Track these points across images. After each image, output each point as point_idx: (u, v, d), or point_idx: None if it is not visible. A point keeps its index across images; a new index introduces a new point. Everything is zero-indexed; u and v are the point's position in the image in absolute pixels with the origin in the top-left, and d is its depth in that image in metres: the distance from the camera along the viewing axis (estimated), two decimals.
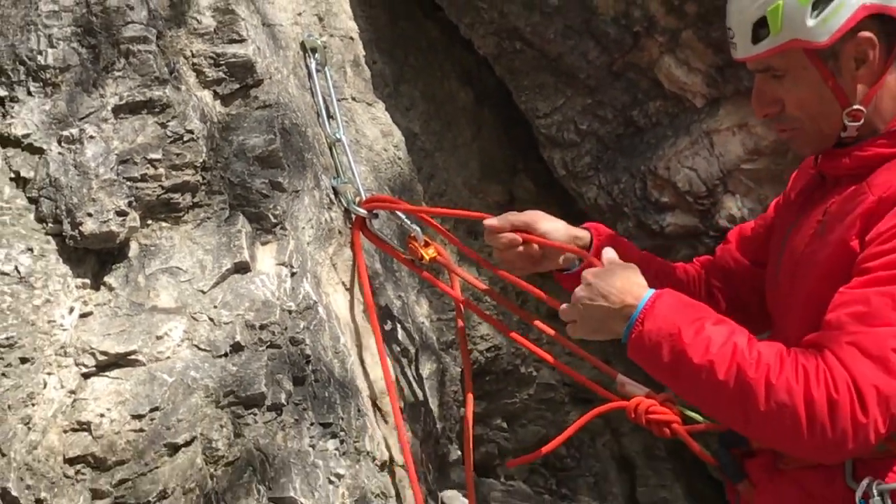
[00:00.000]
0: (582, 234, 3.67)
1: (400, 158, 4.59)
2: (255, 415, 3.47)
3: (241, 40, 3.92)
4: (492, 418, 5.07)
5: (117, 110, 3.60)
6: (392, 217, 4.13)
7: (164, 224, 3.63)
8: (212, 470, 3.39)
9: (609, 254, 3.49)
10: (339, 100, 4.32)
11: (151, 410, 3.34)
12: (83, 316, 3.42)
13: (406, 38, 5.24)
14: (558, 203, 5.30)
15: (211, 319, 3.53)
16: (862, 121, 3.28)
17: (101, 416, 3.30)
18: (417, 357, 4.25)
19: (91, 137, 3.53)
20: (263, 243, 3.74)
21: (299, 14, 4.44)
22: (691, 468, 5.52)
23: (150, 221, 3.61)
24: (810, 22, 3.19)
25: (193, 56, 3.88)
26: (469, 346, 4.14)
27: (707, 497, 5.50)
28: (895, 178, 3.14)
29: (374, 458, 3.72)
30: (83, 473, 3.26)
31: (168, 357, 3.44)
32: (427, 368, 4.29)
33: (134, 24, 3.65)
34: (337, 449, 3.60)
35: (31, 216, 3.46)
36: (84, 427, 3.28)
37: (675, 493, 5.49)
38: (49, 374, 3.31)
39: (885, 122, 3.30)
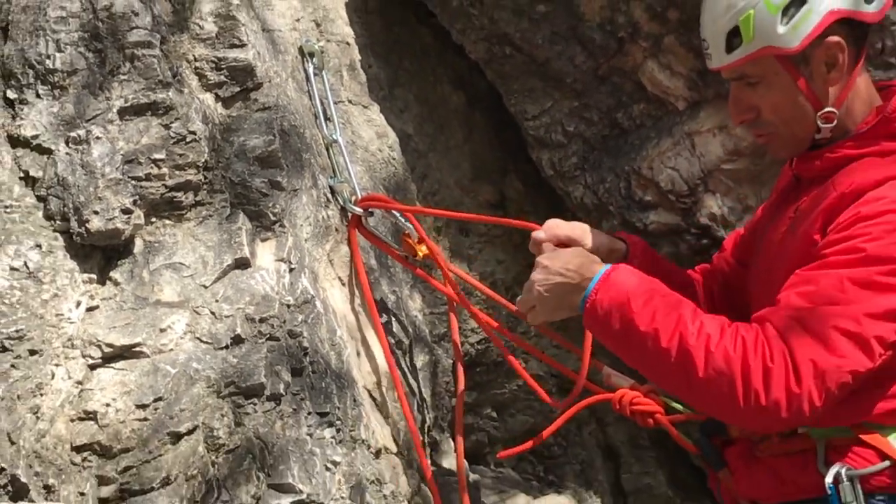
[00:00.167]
0: (619, 245, 3.66)
1: (394, 159, 4.59)
2: (255, 404, 3.47)
3: (242, 45, 3.92)
4: (482, 408, 5.07)
5: (123, 112, 3.60)
6: (387, 215, 4.14)
7: (167, 221, 3.63)
8: (213, 457, 3.39)
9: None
10: (335, 102, 4.32)
11: (155, 400, 3.34)
12: (90, 310, 3.42)
13: (400, 44, 5.24)
14: (546, 202, 5.30)
15: (212, 313, 3.53)
16: (835, 122, 3.29)
17: (107, 405, 3.30)
18: (411, 349, 4.25)
19: (97, 138, 3.53)
20: (263, 240, 3.75)
21: (297, 20, 4.43)
22: (674, 456, 5.51)
23: (154, 219, 3.60)
24: (781, 29, 3.21)
25: (196, 60, 3.88)
26: (460, 338, 4.14)
27: (689, 484, 5.50)
28: (857, 175, 3.16)
29: (368, 446, 3.73)
30: (90, 461, 3.26)
31: (171, 349, 3.44)
32: (420, 360, 4.29)
33: (138, 30, 3.65)
34: (333, 437, 3.61)
35: (40, 214, 3.46)
36: (90, 416, 3.28)
37: (658, 480, 5.49)
38: (57, 365, 3.31)
39: (856, 124, 3.32)
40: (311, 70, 4.30)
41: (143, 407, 3.33)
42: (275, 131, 3.86)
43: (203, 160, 3.65)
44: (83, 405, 3.29)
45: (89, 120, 3.56)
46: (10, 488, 3.12)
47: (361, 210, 4.02)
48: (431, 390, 4.33)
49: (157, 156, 3.58)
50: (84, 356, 3.35)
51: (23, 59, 3.59)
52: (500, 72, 4.99)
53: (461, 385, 4.09)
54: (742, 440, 3.41)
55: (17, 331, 3.24)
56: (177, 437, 3.34)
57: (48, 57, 3.58)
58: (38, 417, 3.22)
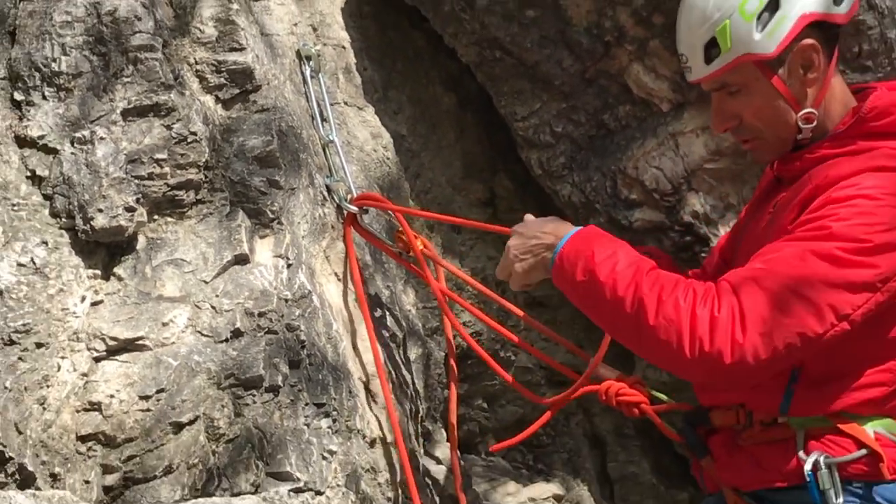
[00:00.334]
0: None
1: (388, 158, 4.59)
2: (254, 396, 3.48)
3: (241, 49, 3.92)
4: (473, 399, 5.07)
5: (126, 113, 3.60)
6: (381, 213, 4.14)
7: (169, 219, 3.63)
8: (214, 447, 3.39)
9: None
10: (331, 104, 4.32)
11: (158, 392, 3.34)
12: (94, 304, 3.42)
13: (394, 47, 5.24)
14: (535, 200, 5.29)
15: (213, 307, 3.53)
16: (815, 123, 3.31)
17: (111, 396, 3.30)
18: (405, 342, 4.25)
19: (101, 139, 3.53)
20: (262, 237, 3.75)
21: (295, 24, 4.43)
22: (658, 445, 5.52)
23: (156, 217, 3.60)
24: (757, 36, 3.24)
25: (196, 63, 3.88)
26: (452, 332, 4.14)
27: (673, 472, 5.50)
28: (831, 170, 3.18)
29: (364, 436, 3.73)
30: (94, 450, 3.26)
31: (173, 342, 3.44)
32: (413, 353, 4.29)
33: (141, 34, 3.65)
34: (330, 427, 3.61)
35: (46, 212, 3.46)
36: (95, 407, 3.28)
37: (643, 468, 5.49)
38: (63, 358, 3.30)
39: (834, 124, 3.34)
40: (307, 73, 4.30)
41: (146, 398, 3.33)
42: (273, 132, 3.86)
43: (204, 160, 3.65)
44: (88, 396, 3.29)
45: (94, 121, 3.56)
46: (17, 476, 3.12)
47: (356, 208, 4.03)
48: (424, 382, 4.33)
49: (159, 155, 3.58)
50: (89, 349, 3.35)
51: (29, 62, 3.59)
52: (490, 74, 4.99)
53: (454, 385, 4.10)
54: (725, 429, 3.42)
55: (24, 325, 3.24)
56: (178, 427, 3.34)
57: (54, 60, 3.58)
58: (44, 408, 3.22)
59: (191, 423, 3.36)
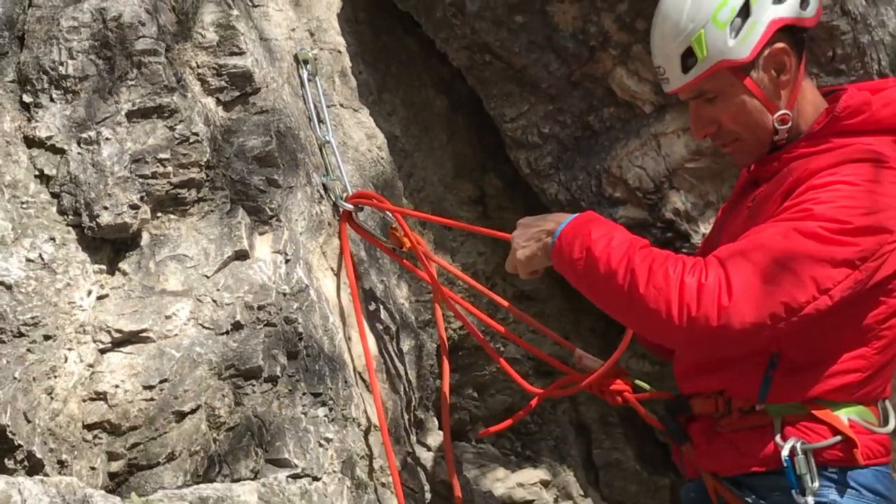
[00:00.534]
0: None
1: (382, 158, 4.59)
2: (254, 386, 3.48)
3: (241, 53, 3.91)
4: (464, 388, 5.07)
5: (130, 115, 3.59)
6: (375, 210, 4.14)
7: (172, 216, 3.62)
8: (215, 435, 3.39)
9: None
10: (328, 106, 4.32)
11: (161, 382, 3.34)
12: (100, 298, 3.42)
13: (388, 52, 5.23)
14: (523, 198, 5.30)
15: (214, 301, 3.53)
16: (790, 123, 3.33)
17: (116, 387, 3.30)
18: (398, 334, 4.25)
19: (107, 139, 3.52)
20: (261, 233, 3.74)
21: (292, 30, 4.43)
22: (641, 433, 5.52)
23: (159, 214, 3.60)
24: (731, 42, 3.27)
25: (198, 67, 3.87)
26: (444, 324, 4.15)
27: (655, 458, 5.50)
28: (810, 163, 3.20)
29: (359, 424, 3.73)
30: (100, 438, 3.26)
31: (176, 334, 3.44)
32: (406, 344, 4.29)
33: (145, 39, 3.64)
34: (326, 416, 3.61)
35: (54, 209, 3.45)
36: (101, 397, 3.28)
37: (626, 454, 5.50)
38: (69, 349, 3.30)
39: (807, 124, 3.37)
40: (305, 76, 4.30)
41: (149, 388, 3.33)
42: (272, 133, 3.86)
43: (205, 159, 3.65)
44: (94, 386, 3.29)
45: (99, 122, 3.56)
46: (26, 463, 3.12)
47: (352, 206, 4.03)
48: (417, 373, 4.33)
49: (162, 155, 3.58)
50: (95, 341, 3.35)
51: (38, 65, 3.58)
52: (480, 78, 4.99)
53: (446, 376, 4.10)
54: (704, 417, 3.43)
55: (32, 318, 3.23)
56: (181, 416, 3.34)
57: (61, 64, 3.58)
58: (52, 398, 3.22)
59: (193, 412, 3.36)
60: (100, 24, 3.61)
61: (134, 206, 3.48)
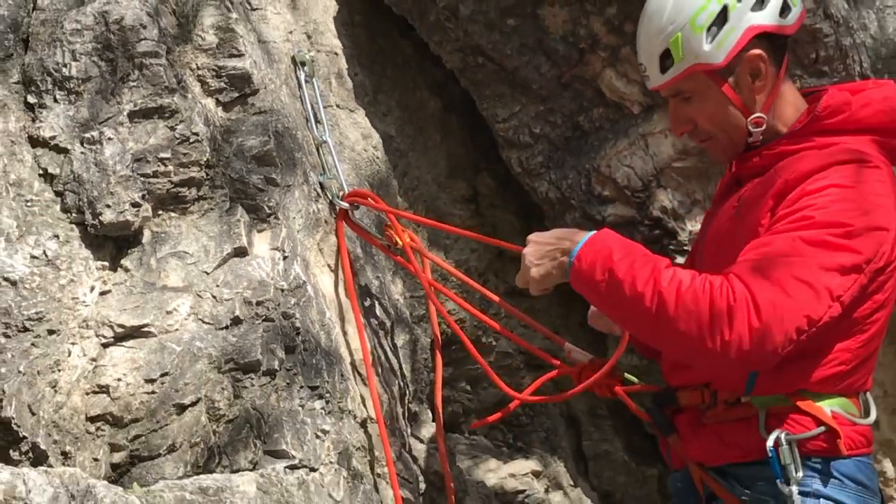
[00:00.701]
0: None
1: (378, 158, 4.59)
2: (252, 379, 3.47)
3: (240, 55, 3.91)
4: (457, 382, 5.07)
5: (132, 115, 3.59)
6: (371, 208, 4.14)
7: (173, 214, 3.62)
8: (214, 427, 3.39)
9: None
10: (325, 107, 4.32)
11: (162, 375, 3.34)
12: (103, 294, 3.42)
13: (383, 54, 5.23)
14: (515, 197, 5.30)
15: (214, 297, 3.53)
16: (764, 126, 3.34)
17: (119, 380, 3.30)
18: (393, 329, 4.25)
19: (109, 139, 3.52)
20: (259, 231, 3.74)
21: (290, 32, 4.42)
22: (629, 425, 5.52)
23: (160, 212, 3.60)
24: (707, 47, 3.27)
25: (198, 69, 3.87)
26: (437, 319, 4.15)
27: (643, 450, 5.50)
28: (798, 164, 3.20)
29: (355, 417, 3.73)
30: (103, 430, 3.25)
31: (176, 329, 3.43)
32: (401, 339, 4.29)
33: (146, 41, 3.64)
34: (323, 408, 3.61)
35: (58, 207, 3.45)
36: (103, 390, 3.28)
37: (615, 446, 5.49)
38: (73, 344, 3.30)
39: (786, 125, 3.37)
40: (302, 77, 4.29)
41: (151, 381, 3.32)
42: (270, 133, 3.86)
43: (205, 159, 3.64)
44: (97, 380, 3.28)
45: (102, 122, 3.55)
46: (31, 454, 3.12)
47: (348, 204, 4.03)
48: (411, 366, 4.33)
49: (163, 155, 3.57)
50: (98, 336, 3.34)
51: (42, 67, 3.57)
52: (473, 79, 4.98)
53: (439, 370, 4.10)
54: (690, 408, 3.43)
55: (36, 313, 3.23)
56: (181, 409, 3.34)
57: (65, 65, 3.57)
58: (56, 391, 3.21)
59: (193, 404, 3.36)
60: (102, 27, 3.61)
61: (135, 205, 3.48)
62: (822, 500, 3.22)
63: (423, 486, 4.18)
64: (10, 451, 3.10)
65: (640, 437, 5.54)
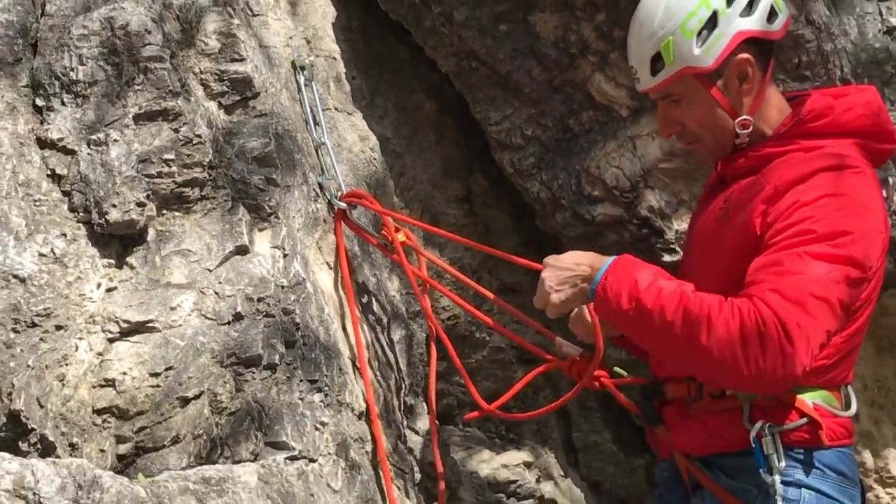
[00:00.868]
0: None
1: (375, 159, 4.59)
2: (253, 373, 3.47)
3: (242, 59, 3.91)
4: (451, 376, 5.06)
5: (137, 118, 3.59)
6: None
7: (176, 213, 3.62)
8: (217, 419, 3.39)
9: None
10: (323, 110, 4.32)
11: (166, 369, 3.34)
12: (109, 290, 3.42)
13: (380, 59, 5.23)
14: (507, 196, 5.30)
15: (216, 293, 3.53)
16: (751, 128, 3.34)
17: (124, 374, 3.30)
18: (389, 324, 4.25)
19: (115, 141, 3.52)
20: (260, 230, 3.74)
21: (290, 38, 4.42)
22: (618, 417, 5.52)
23: (165, 211, 3.60)
24: (697, 51, 3.28)
25: (201, 73, 3.87)
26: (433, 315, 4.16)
27: (631, 441, 5.50)
28: (786, 170, 3.21)
29: (352, 409, 3.73)
30: (109, 422, 3.25)
31: (180, 325, 3.43)
32: (397, 334, 4.29)
33: (151, 46, 3.64)
34: (322, 401, 3.61)
35: (65, 207, 3.45)
36: (109, 383, 3.28)
37: (604, 437, 5.49)
38: (80, 339, 3.30)
39: (771, 128, 3.37)
40: (302, 81, 4.29)
41: (155, 375, 3.33)
42: (270, 135, 3.86)
43: (208, 160, 3.64)
44: (103, 374, 3.28)
45: (108, 125, 3.55)
46: (39, 446, 3.12)
47: (346, 204, 4.03)
48: (407, 360, 4.33)
49: (167, 156, 3.57)
50: (104, 331, 3.35)
51: (50, 71, 3.57)
52: (467, 83, 4.98)
53: (434, 363, 4.11)
54: (677, 400, 3.43)
55: (45, 309, 3.23)
56: (185, 402, 3.34)
57: (72, 69, 3.57)
58: (63, 384, 3.22)
59: (196, 397, 3.36)
60: (108, 32, 3.61)
61: (140, 204, 3.48)
62: (803, 489, 3.23)
63: (418, 476, 4.19)
64: (20, 443, 3.10)
65: (628, 429, 5.54)
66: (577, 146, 4.89)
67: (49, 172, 3.48)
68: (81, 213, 3.44)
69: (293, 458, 3.44)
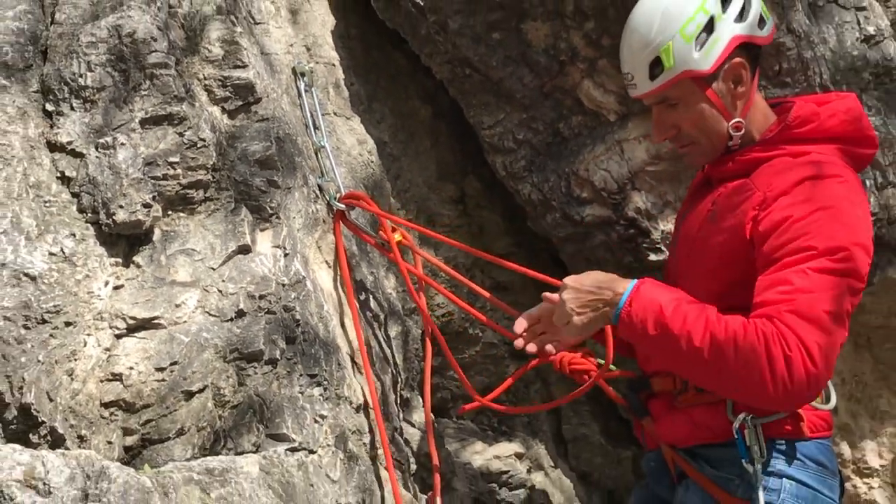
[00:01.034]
0: None
1: (373, 162, 4.59)
2: (255, 367, 3.47)
3: (244, 66, 3.91)
4: (445, 370, 5.06)
5: (143, 122, 3.58)
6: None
7: (181, 214, 3.61)
8: (220, 412, 3.39)
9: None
10: (323, 114, 4.31)
11: (171, 364, 3.34)
12: (116, 288, 3.41)
13: (378, 66, 5.23)
14: (500, 198, 5.30)
15: (219, 291, 3.53)
16: (743, 131, 3.35)
17: (131, 368, 3.29)
18: (386, 321, 4.25)
19: (122, 144, 3.51)
20: (262, 230, 3.74)
21: (291, 45, 4.42)
22: (607, 410, 5.52)
23: (170, 212, 3.59)
24: (696, 55, 3.27)
25: (205, 79, 3.86)
26: (428, 312, 4.15)
27: (618, 433, 5.51)
28: (774, 177, 3.21)
29: (350, 402, 3.73)
30: (116, 415, 3.25)
31: (185, 321, 3.43)
32: (394, 330, 4.29)
33: (157, 53, 3.63)
34: (321, 395, 3.60)
35: (74, 208, 3.45)
36: (117, 378, 3.27)
37: (592, 429, 5.50)
38: (88, 335, 3.29)
39: (758, 132, 3.38)
40: (302, 87, 4.29)
41: (161, 370, 3.32)
42: (272, 138, 3.85)
43: (211, 163, 3.64)
44: (110, 368, 3.28)
45: (115, 129, 3.55)
46: (49, 438, 3.12)
47: (344, 205, 4.03)
48: (403, 355, 4.33)
49: (172, 159, 3.57)
50: (111, 327, 3.34)
51: (59, 77, 3.57)
52: (461, 89, 4.98)
53: (429, 358, 4.11)
54: (663, 393, 3.44)
55: (54, 306, 3.23)
56: (189, 395, 3.33)
57: (80, 76, 3.56)
58: (72, 379, 3.21)
59: (200, 391, 3.36)
60: (116, 40, 3.60)
61: (147, 205, 3.47)
62: (784, 479, 3.24)
63: (414, 466, 4.19)
64: (30, 435, 3.10)
65: (616, 422, 5.55)
66: (567, 150, 4.89)
67: (59, 175, 3.47)
68: (90, 214, 3.44)
69: (293, 450, 3.44)
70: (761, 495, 3.19)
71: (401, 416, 4.28)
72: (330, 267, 3.99)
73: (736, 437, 3.22)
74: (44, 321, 3.20)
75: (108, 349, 3.31)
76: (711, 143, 3.39)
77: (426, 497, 4.04)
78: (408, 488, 4.05)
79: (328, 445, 3.56)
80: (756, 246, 3.16)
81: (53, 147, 3.50)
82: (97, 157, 3.49)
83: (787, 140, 3.30)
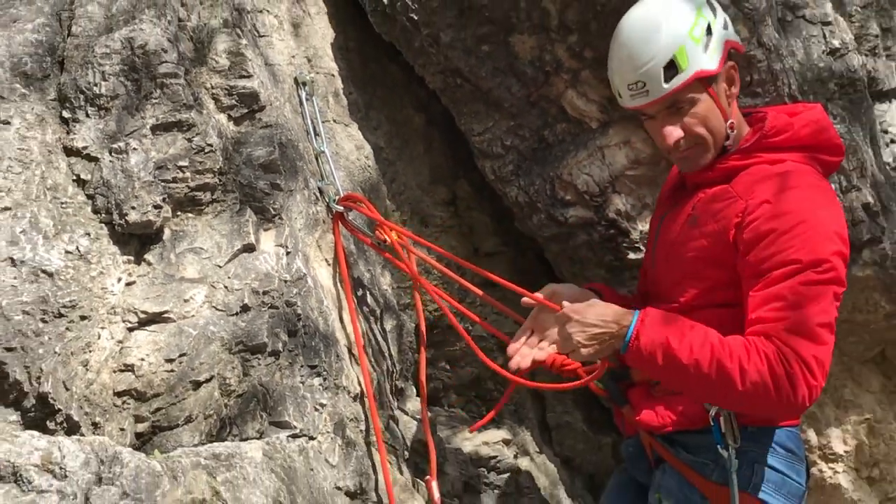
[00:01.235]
0: (593, 295, 3.58)
1: (369, 166, 4.59)
2: (259, 359, 3.47)
3: (249, 76, 3.90)
4: (438, 361, 5.06)
5: (154, 129, 3.57)
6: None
7: (189, 215, 3.61)
8: (226, 401, 3.39)
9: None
10: (323, 122, 4.31)
11: (180, 356, 3.33)
12: (128, 284, 3.41)
13: (374, 76, 5.22)
14: (488, 200, 5.30)
15: (225, 287, 3.52)
16: (735, 131, 3.36)
17: (142, 360, 3.29)
18: (382, 316, 4.25)
19: (134, 149, 3.51)
20: (266, 230, 3.73)
21: (293, 56, 4.42)
22: (588, 399, 5.53)
23: (179, 213, 3.59)
24: (704, 56, 3.27)
25: (212, 88, 3.86)
26: (421, 307, 4.15)
27: (600, 421, 5.51)
28: (755, 186, 3.21)
29: (348, 392, 3.73)
30: (128, 403, 3.25)
31: (193, 315, 3.43)
32: (389, 324, 4.29)
33: (167, 63, 3.62)
34: (321, 385, 3.60)
35: (89, 209, 3.44)
36: (129, 368, 3.27)
37: (575, 417, 5.50)
38: (102, 328, 3.29)
39: (740, 136, 3.38)
40: (303, 96, 4.29)
41: (170, 361, 3.32)
42: (275, 144, 3.85)
43: (218, 167, 3.64)
44: (123, 360, 3.27)
45: (128, 135, 3.54)
46: (65, 425, 3.11)
47: (342, 207, 4.03)
48: (398, 348, 4.33)
49: (181, 163, 3.56)
50: (124, 321, 3.33)
51: (75, 86, 3.56)
52: (452, 98, 4.98)
53: (423, 351, 4.11)
54: (642, 383, 3.44)
55: (70, 301, 3.22)
56: (197, 385, 3.33)
57: (95, 85, 3.56)
58: (87, 369, 3.20)
59: (207, 381, 3.35)
60: (128, 51, 3.60)
61: (157, 206, 3.47)
62: (756, 464, 3.24)
63: (407, 453, 4.19)
64: (47, 422, 3.09)
65: (597, 410, 5.55)
66: (552, 155, 4.89)
67: (75, 178, 3.47)
68: (104, 215, 3.43)
69: (295, 436, 3.44)
70: (734, 479, 3.20)
71: (395, 404, 4.28)
72: (329, 265, 3.98)
73: (712, 424, 3.23)
74: (60, 315, 3.19)
75: (120, 341, 3.30)
76: (716, 141, 3.37)
77: (424, 481, 4.04)
78: (402, 472, 4.05)
79: (327, 432, 3.56)
80: (740, 252, 3.15)
81: (70, 152, 3.49)
82: (111, 161, 3.49)
83: (763, 148, 3.30)
